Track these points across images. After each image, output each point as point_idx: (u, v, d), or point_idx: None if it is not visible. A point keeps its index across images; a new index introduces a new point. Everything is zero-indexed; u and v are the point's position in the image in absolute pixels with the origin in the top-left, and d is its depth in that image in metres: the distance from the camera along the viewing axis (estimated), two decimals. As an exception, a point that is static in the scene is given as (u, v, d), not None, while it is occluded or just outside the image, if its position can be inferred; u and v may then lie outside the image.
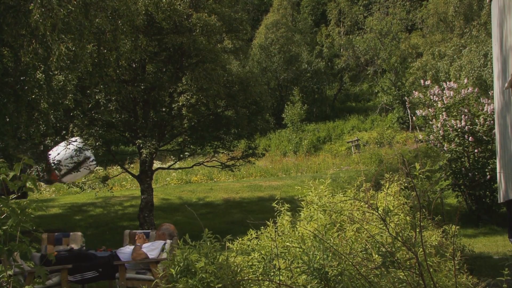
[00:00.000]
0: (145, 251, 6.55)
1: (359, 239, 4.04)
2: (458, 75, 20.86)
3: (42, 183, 17.21)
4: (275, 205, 4.58)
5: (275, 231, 4.11)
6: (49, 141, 12.54)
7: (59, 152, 12.95)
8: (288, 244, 3.90)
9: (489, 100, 13.46)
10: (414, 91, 15.83)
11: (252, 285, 3.56)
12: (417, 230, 3.62)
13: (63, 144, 12.56)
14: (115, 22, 8.22)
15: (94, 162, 13.60)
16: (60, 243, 7.22)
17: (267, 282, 3.56)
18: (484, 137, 13.17)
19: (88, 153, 12.86)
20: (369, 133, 31.23)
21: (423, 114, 14.35)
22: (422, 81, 16.10)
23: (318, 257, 3.53)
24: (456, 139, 13.31)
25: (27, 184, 3.25)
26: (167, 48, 11.71)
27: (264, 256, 3.86)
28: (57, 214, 14.93)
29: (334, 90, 38.83)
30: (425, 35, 32.03)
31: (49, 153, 13.02)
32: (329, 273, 3.46)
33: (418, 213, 3.68)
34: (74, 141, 12.14)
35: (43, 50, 7.24)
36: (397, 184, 5.04)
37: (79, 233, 7.48)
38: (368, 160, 23.41)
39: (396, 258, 3.65)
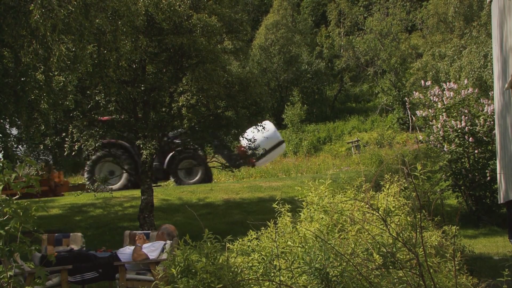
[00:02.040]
0: (145, 251, 6.55)
1: (360, 239, 4.04)
2: (458, 75, 20.87)
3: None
4: (276, 205, 4.58)
5: (276, 232, 4.11)
6: (49, 141, 12.55)
7: (251, 138, 13.28)
8: (290, 243, 3.91)
9: (489, 101, 13.46)
10: (414, 92, 15.83)
11: (252, 285, 3.56)
12: (418, 230, 3.62)
13: (251, 130, 13.24)
14: (115, 23, 8.22)
15: (284, 145, 14.04)
16: (60, 243, 7.23)
17: (268, 283, 3.56)
18: (484, 138, 13.17)
19: (280, 136, 13.21)
20: (369, 133, 31.23)
21: (423, 114, 14.35)
22: (422, 82, 16.10)
23: (320, 258, 3.53)
24: (456, 139, 13.31)
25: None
26: (167, 49, 11.70)
27: (264, 257, 3.86)
28: (57, 215, 14.91)
29: (334, 90, 38.82)
30: (425, 35, 32.03)
31: (241, 139, 13.45)
32: (330, 274, 3.46)
33: (419, 213, 3.69)
34: (263, 127, 12.72)
35: (43, 51, 7.24)
36: (397, 185, 5.05)
37: (79, 234, 7.48)
38: (368, 160, 23.36)
39: (396, 258, 3.65)
